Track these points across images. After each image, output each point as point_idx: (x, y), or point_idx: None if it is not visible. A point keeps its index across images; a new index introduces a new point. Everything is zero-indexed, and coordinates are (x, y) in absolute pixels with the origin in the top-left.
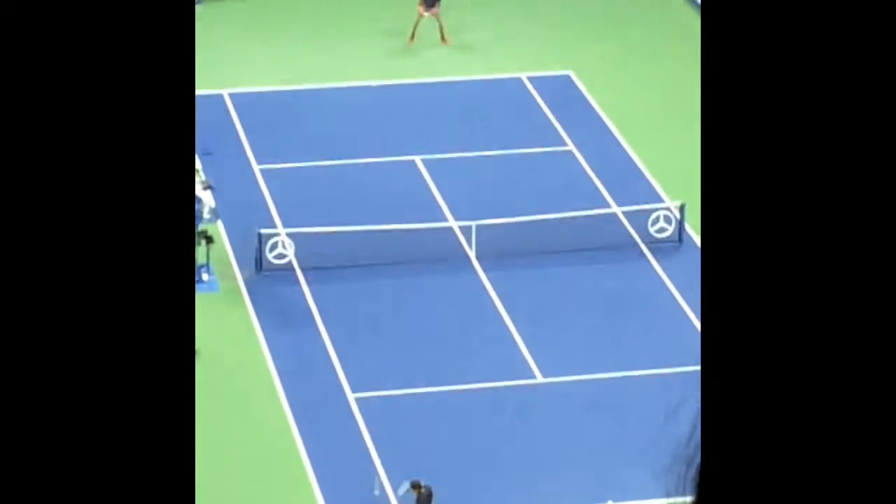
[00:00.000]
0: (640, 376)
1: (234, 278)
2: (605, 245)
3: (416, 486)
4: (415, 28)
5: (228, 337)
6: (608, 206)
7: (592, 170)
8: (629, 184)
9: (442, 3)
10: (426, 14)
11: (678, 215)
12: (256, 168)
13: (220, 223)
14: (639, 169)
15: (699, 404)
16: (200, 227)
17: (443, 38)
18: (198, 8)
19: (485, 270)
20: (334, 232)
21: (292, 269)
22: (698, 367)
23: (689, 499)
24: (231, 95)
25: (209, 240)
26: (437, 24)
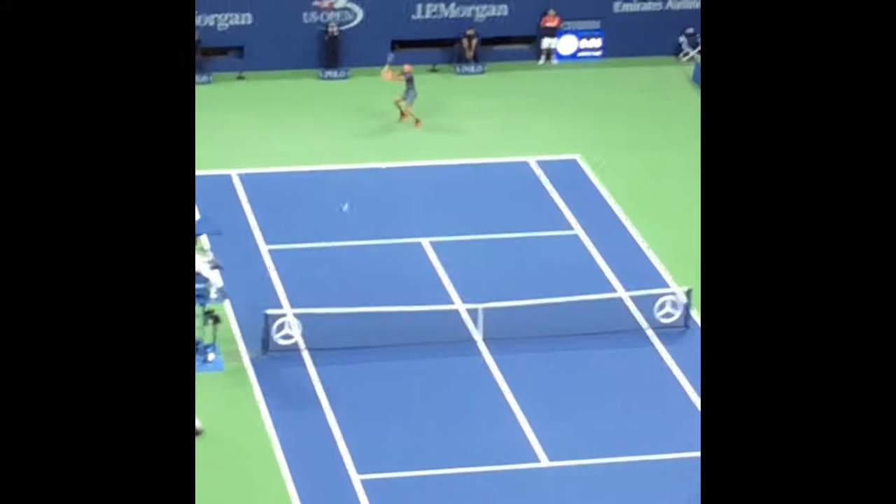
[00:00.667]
0: (645, 461)
1: (241, 358)
2: (611, 329)
3: None
4: (403, 109)
5: (234, 417)
6: (614, 290)
7: (599, 254)
8: (635, 269)
9: (445, 89)
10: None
11: (685, 300)
12: (264, 248)
13: (227, 303)
14: (645, 254)
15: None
16: (207, 306)
17: (402, 115)
18: (207, 88)
19: (491, 353)
20: (341, 313)
21: (298, 349)
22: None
23: None
24: (240, 176)
25: (216, 319)
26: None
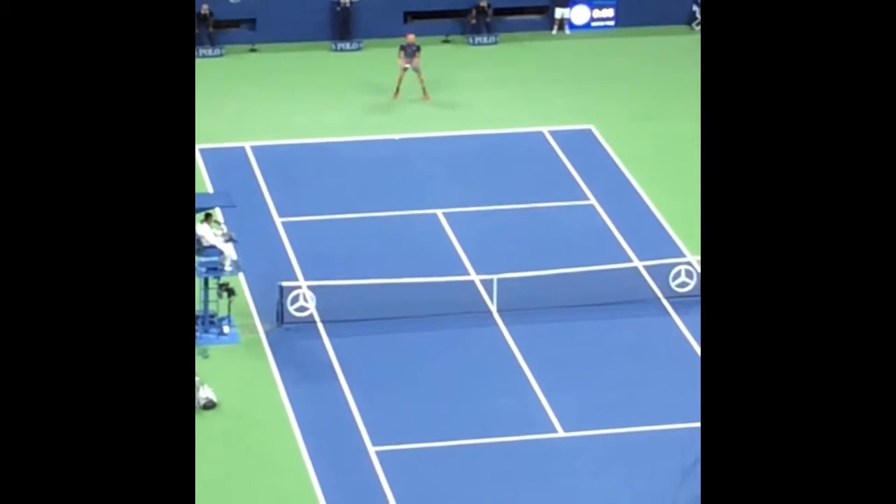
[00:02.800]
0: (660, 431)
1: (256, 331)
2: (625, 299)
3: None
4: (399, 83)
5: (249, 389)
6: (629, 260)
7: (613, 224)
8: (650, 238)
9: (458, 60)
10: (408, 66)
11: (699, 270)
12: (278, 221)
13: (241, 276)
14: (660, 223)
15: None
16: (222, 279)
17: (424, 93)
18: (219, 60)
19: (506, 324)
20: (355, 285)
21: (313, 321)
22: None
23: None
24: (253, 148)
25: (230, 292)
26: (419, 78)
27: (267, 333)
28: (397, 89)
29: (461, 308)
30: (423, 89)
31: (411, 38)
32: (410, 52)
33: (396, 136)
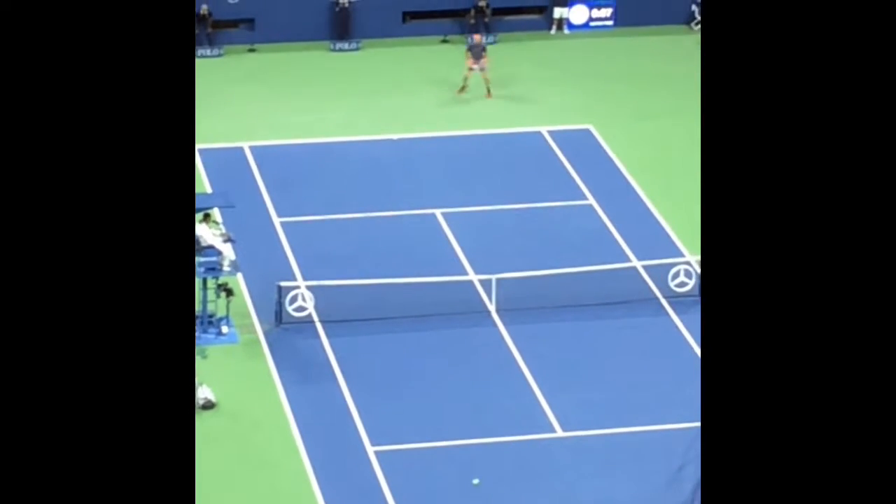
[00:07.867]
0: (659, 431)
1: (254, 331)
2: (624, 299)
3: None
4: (466, 81)
5: (248, 389)
6: (628, 260)
7: (612, 224)
8: (649, 238)
9: (457, 61)
10: (474, 67)
11: (698, 270)
12: (277, 221)
13: (240, 276)
14: (659, 223)
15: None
16: (220, 279)
17: (488, 92)
18: (218, 61)
19: (504, 324)
20: (354, 285)
21: (312, 321)
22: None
23: None
24: (252, 149)
25: (229, 292)
26: (484, 77)
27: (265, 333)
28: (463, 87)
29: (460, 308)
30: (488, 89)
31: (478, 38)
32: (477, 52)
33: (395, 137)
